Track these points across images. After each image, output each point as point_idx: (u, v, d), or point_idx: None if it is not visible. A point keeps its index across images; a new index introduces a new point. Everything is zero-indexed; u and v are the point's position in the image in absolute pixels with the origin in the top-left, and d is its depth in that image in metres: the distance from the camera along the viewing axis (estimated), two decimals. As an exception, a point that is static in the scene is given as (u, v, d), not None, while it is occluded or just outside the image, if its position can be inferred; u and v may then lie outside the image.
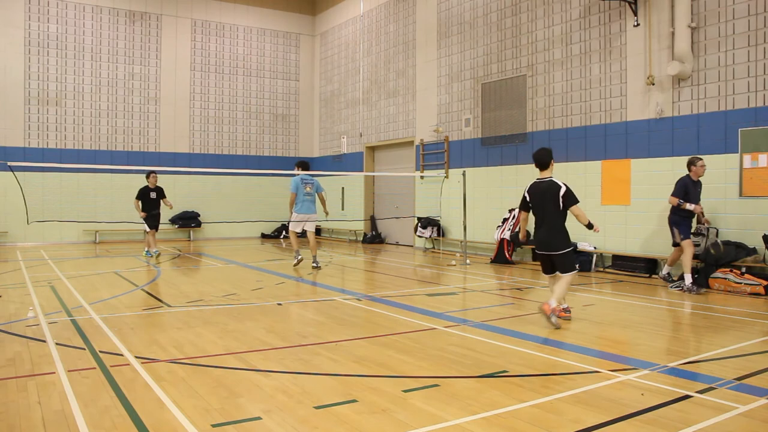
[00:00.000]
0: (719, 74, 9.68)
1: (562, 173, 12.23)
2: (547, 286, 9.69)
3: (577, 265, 6.87)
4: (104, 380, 4.43)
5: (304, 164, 11.83)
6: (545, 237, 6.64)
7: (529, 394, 4.15)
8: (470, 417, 3.73)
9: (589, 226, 6.60)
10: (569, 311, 6.89)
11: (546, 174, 6.78)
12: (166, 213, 16.64)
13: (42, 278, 9.94)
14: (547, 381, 4.48)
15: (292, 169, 11.88)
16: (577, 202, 6.57)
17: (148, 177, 13.09)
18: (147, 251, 13.30)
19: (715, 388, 4.29)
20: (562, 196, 6.49)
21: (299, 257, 11.72)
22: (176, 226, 18.65)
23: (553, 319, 6.27)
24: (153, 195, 13.10)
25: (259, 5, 20.74)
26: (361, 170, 18.76)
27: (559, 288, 6.48)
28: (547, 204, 6.62)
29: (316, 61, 21.71)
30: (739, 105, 9.43)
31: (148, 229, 13.12)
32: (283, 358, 5.17)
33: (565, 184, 6.62)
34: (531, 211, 6.85)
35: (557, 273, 6.70)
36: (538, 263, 12.49)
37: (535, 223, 6.86)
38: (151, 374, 4.57)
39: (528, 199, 6.83)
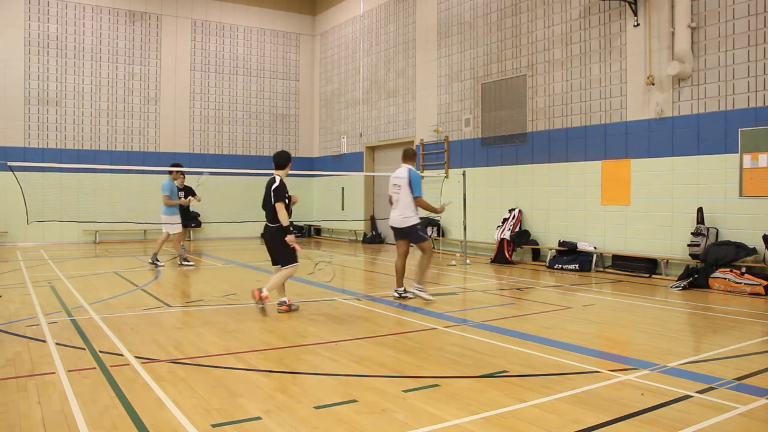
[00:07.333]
0: (719, 74, 9.68)
1: (562, 173, 12.25)
2: (545, 285, 9.69)
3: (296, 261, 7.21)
4: (104, 380, 4.42)
5: (179, 165, 12.28)
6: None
7: (529, 394, 4.15)
8: (470, 417, 3.73)
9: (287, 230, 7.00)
10: (288, 305, 7.21)
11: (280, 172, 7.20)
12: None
13: (42, 278, 9.94)
14: (547, 381, 4.47)
15: (292, 169, 11.86)
16: (282, 199, 6.90)
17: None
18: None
19: (715, 388, 4.29)
20: (273, 190, 6.95)
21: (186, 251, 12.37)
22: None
23: (260, 305, 6.93)
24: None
25: (259, 5, 20.74)
26: (361, 170, 18.76)
27: (275, 278, 7.05)
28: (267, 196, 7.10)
29: (316, 61, 21.71)
30: (739, 105, 9.43)
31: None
32: (283, 358, 5.17)
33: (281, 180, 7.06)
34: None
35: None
36: (538, 263, 12.53)
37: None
38: (151, 374, 4.57)
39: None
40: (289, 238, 6.93)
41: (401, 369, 4.81)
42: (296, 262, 7.08)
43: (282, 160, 7.22)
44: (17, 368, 4.74)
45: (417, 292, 8.03)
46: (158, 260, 11.95)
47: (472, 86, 14.52)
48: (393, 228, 8.15)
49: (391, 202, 8.22)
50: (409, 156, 8.24)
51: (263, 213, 7.24)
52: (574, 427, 3.57)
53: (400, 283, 8.17)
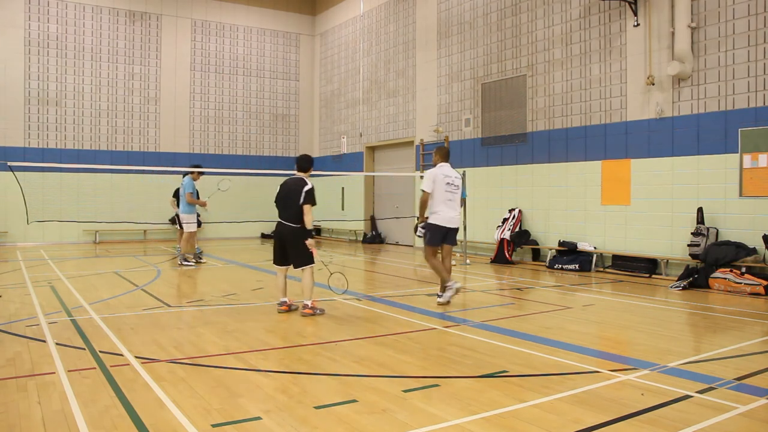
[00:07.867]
0: (719, 74, 9.68)
1: (562, 173, 12.25)
2: (545, 285, 9.68)
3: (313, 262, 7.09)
4: (104, 380, 4.42)
5: (199, 166, 12.52)
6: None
7: (529, 394, 4.15)
8: (470, 417, 3.73)
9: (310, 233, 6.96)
10: (289, 305, 7.22)
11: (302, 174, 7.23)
12: (167, 212, 16.67)
13: (42, 278, 9.94)
14: (547, 381, 4.47)
15: (292, 169, 11.85)
16: (314, 202, 6.94)
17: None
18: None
19: (715, 388, 4.29)
20: (306, 192, 6.91)
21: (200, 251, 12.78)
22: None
23: (318, 312, 6.94)
24: None
25: (259, 5, 20.74)
26: (361, 170, 18.76)
27: (305, 284, 7.01)
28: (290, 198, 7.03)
29: (316, 61, 21.71)
30: (739, 105, 9.43)
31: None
32: (283, 358, 5.17)
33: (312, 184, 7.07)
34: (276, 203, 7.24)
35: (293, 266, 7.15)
36: (538, 263, 12.53)
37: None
38: (151, 374, 4.57)
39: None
40: (310, 242, 6.93)
41: (401, 369, 4.81)
42: (313, 262, 7.07)
43: (306, 163, 7.28)
44: (17, 368, 4.74)
45: (446, 298, 7.73)
46: (187, 260, 12.14)
47: (472, 86, 14.53)
48: (443, 228, 7.73)
49: (424, 201, 7.75)
50: (448, 155, 8.10)
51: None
52: (574, 427, 3.57)
53: (448, 277, 7.77)
